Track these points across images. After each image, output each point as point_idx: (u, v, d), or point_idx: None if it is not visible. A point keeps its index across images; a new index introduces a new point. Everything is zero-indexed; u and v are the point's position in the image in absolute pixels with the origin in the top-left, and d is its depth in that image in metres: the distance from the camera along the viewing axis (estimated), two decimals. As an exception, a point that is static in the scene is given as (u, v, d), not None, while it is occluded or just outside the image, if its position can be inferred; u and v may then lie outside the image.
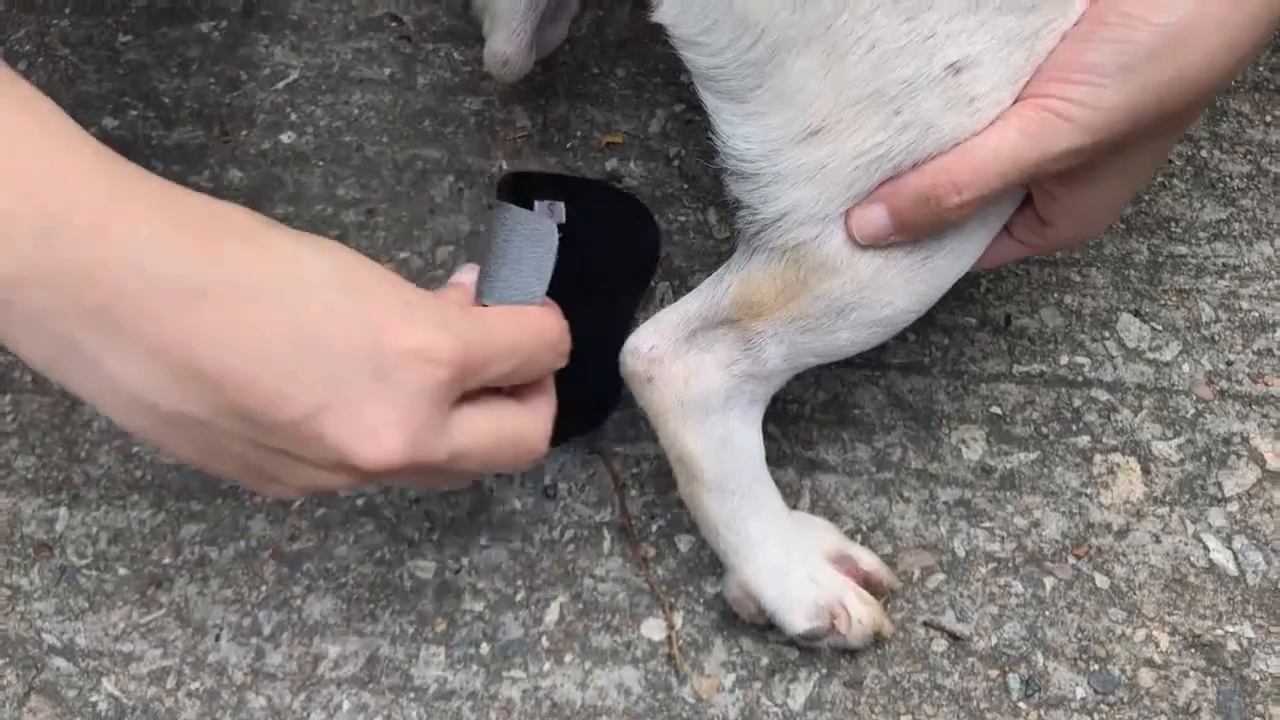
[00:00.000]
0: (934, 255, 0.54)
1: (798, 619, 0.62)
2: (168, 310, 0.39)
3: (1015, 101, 0.50)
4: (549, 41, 0.77)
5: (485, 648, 0.66)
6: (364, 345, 0.42)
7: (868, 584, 0.65)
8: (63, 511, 0.70)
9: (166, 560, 0.69)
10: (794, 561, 0.62)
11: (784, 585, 0.62)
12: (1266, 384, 0.73)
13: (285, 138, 0.83)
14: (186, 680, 0.66)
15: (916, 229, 0.52)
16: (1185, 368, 0.74)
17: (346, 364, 0.42)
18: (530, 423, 0.50)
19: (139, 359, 0.40)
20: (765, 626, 0.65)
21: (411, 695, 0.65)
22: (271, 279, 0.41)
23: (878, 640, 0.65)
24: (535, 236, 0.53)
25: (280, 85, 0.85)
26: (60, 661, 0.66)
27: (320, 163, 0.82)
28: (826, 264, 0.54)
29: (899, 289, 0.54)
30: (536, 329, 0.50)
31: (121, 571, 0.69)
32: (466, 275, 0.54)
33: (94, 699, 0.65)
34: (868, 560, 0.65)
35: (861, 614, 0.63)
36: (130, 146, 0.82)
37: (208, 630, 0.67)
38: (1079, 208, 0.55)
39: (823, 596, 0.63)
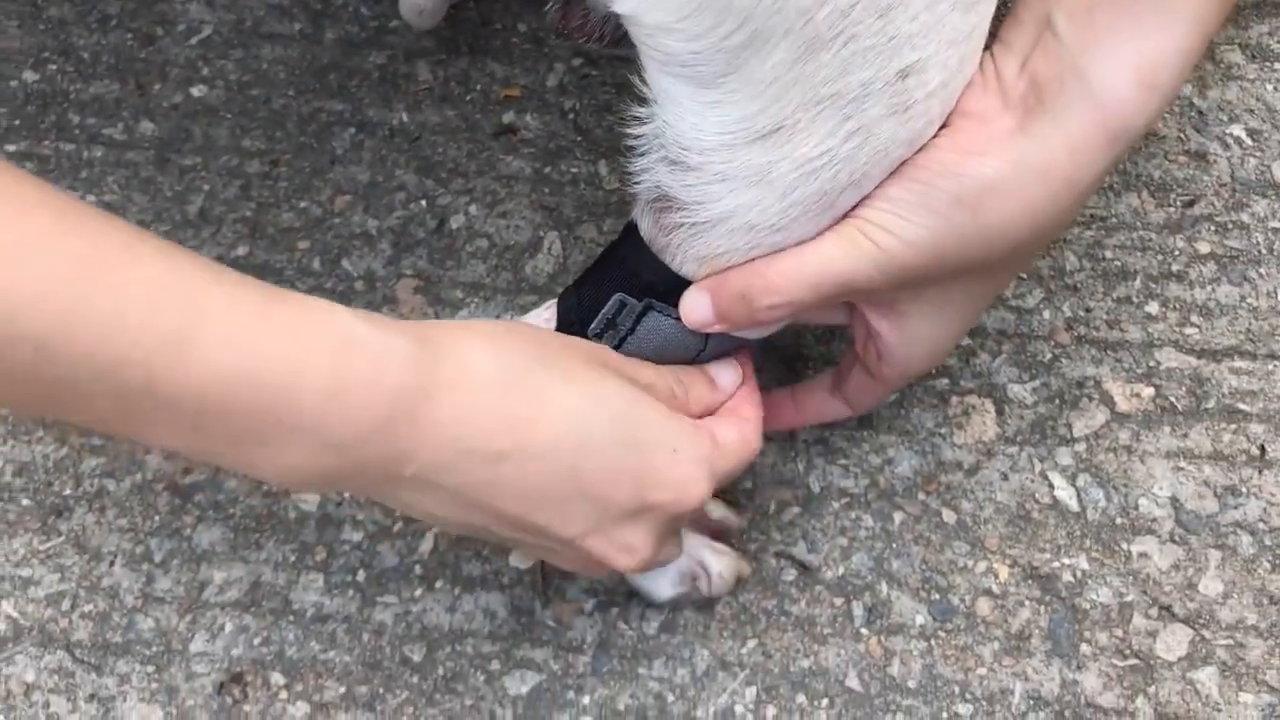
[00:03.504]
0: None
1: (663, 588, 0.66)
2: (472, 471, 0.48)
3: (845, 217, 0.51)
4: None
5: (362, 575, 0.70)
6: (629, 496, 0.50)
7: (720, 531, 0.68)
8: (-29, 446, 0.74)
9: (67, 491, 0.73)
10: None
11: None
12: (1123, 330, 0.76)
13: (196, 91, 0.86)
14: (81, 603, 0.70)
15: (735, 322, 0.54)
16: (1046, 314, 0.76)
17: (613, 508, 0.50)
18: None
19: (442, 502, 0.49)
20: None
21: (290, 618, 0.69)
22: (557, 440, 0.49)
23: (739, 583, 0.68)
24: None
25: (194, 41, 0.88)
26: (-37, 585, 0.70)
27: (228, 115, 0.85)
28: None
29: None
30: (758, 430, 0.58)
31: (24, 502, 0.73)
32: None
33: (-6, 620, 0.70)
34: (717, 511, 0.68)
35: (721, 568, 0.66)
36: (49, 99, 0.86)
37: (103, 557, 0.71)
38: (896, 344, 0.57)
39: (683, 563, 0.66)
